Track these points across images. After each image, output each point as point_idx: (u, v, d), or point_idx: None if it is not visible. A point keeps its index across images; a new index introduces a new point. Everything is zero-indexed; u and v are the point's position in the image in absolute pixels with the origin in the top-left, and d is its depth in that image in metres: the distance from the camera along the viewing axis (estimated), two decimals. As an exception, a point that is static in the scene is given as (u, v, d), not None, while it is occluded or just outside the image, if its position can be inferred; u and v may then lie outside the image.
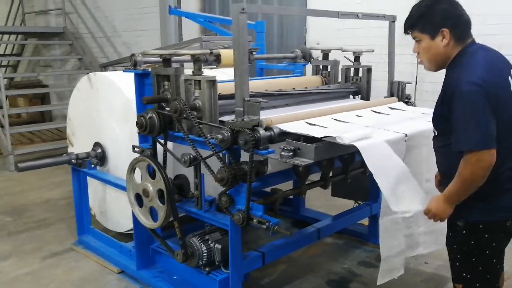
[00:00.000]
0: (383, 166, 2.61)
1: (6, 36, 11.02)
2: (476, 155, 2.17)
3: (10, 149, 7.21)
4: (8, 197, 5.95)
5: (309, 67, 4.45)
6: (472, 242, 2.39)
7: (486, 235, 2.36)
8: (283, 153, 2.61)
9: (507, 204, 2.35)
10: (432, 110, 2.47)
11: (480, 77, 2.17)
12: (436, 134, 2.49)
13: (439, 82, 4.45)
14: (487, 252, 2.39)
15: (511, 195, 2.35)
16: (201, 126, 2.92)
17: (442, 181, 2.54)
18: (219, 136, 2.78)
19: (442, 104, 2.34)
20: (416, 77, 5.22)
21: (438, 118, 2.39)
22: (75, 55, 9.62)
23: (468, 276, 2.47)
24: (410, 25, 2.41)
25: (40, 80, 10.49)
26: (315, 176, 3.63)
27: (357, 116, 3.32)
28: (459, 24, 2.33)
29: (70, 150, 4.68)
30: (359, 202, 4.30)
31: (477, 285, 2.45)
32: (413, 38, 2.44)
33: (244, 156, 2.88)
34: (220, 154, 2.88)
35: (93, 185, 4.37)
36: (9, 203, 5.72)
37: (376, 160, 2.58)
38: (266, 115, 2.92)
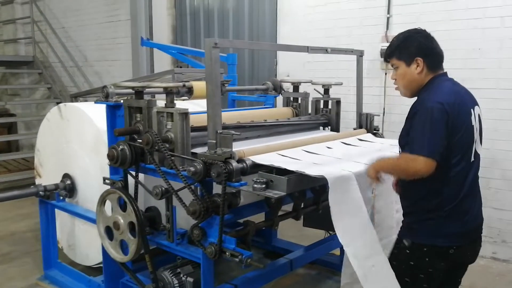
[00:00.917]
0: (344, 201, 2.66)
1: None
2: (416, 157, 2.36)
3: (-26, 180, 7.01)
4: (-30, 230, 5.74)
5: (280, 99, 4.51)
6: (412, 263, 2.55)
7: (427, 259, 2.51)
8: (255, 185, 2.62)
9: (450, 230, 2.49)
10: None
11: (444, 99, 2.41)
12: (399, 152, 2.64)
13: (405, 113, 4.56)
14: (422, 276, 2.54)
15: (454, 222, 2.49)
16: (173, 158, 2.91)
17: (399, 189, 2.73)
18: (192, 169, 2.77)
19: (406, 120, 2.55)
20: (384, 108, 5.34)
21: (403, 135, 2.58)
22: (44, 84, 9.51)
23: None
24: (389, 53, 2.67)
25: (7, 108, 10.31)
26: (287, 207, 3.65)
27: (327, 147, 3.37)
28: (432, 55, 2.59)
29: (37, 181, 4.58)
30: (331, 232, 4.31)
31: None
32: (392, 66, 2.69)
33: (217, 189, 2.88)
34: (192, 187, 2.87)
35: (61, 217, 4.28)
36: (-30, 237, 5.52)
37: (339, 194, 2.63)
38: (238, 147, 2.94)
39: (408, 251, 2.55)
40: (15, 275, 4.47)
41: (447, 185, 2.46)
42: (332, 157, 3.07)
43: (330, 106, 4.17)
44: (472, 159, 2.54)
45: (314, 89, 4.23)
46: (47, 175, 4.46)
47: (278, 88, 4.51)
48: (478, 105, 2.61)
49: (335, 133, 4.03)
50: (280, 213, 3.50)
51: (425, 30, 2.65)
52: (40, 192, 4.02)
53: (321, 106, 4.22)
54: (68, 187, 4.12)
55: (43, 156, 4.55)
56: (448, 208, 2.48)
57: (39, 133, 4.56)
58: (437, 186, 2.47)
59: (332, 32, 5.74)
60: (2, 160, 8.35)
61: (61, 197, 4.08)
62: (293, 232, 5.22)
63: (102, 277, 3.70)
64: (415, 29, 2.67)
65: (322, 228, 4.40)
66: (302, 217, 3.82)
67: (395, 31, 5.18)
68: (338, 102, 4.13)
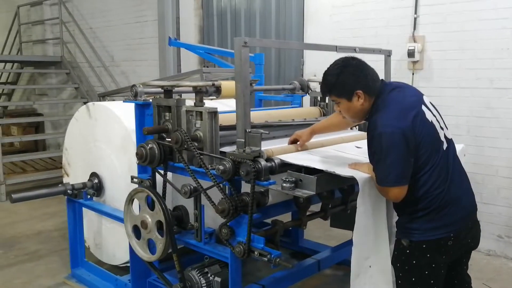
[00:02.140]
0: (370, 202, 2.63)
1: (1, 65, 11.05)
2: (384, 189, 2.50)
3: (2, 178, 7.10)
4: (-2, 228, 5.83)
5: (306, 99, 4.48)
6: (414, 262, 2.56)
7: (428, 255, 2.52)
8: (284, 184, 2.60)
9: (444, 221, 2.50)
10: None
11: (395, 121, 2.42)
12: None
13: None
14: (426, 272, 2.55)
15: (446, 212, 2.50)
16: (202, 156, 2.91)
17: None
18: (221, 167, 2.76)
19: (367, 144, 2.57)
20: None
21: (369, 154, 2.59)
22: (71, 84, 9.64)
23: None
24: (327, 92, 2.69)
25: (35, 108, 10.48)
26: (315, 207, 3.61)
27: (357, 147, 3.33)
28: (369, 83, 2.58)
29: (65, 180, 4.62)
30: (358, 234, 4.26)
31: None
32: (332, 101, 2.72)
33: (245, 187, 2.86)
34: (221, 185, 2.86)
35: (88, 216, 4.31)
36: (-1, 235, 5.60)
37: (368, 195, 2.60)
38: (266, 146, 2.91)
39: (408, 251, 2.58)
40: (43, 273, 4.52)
41: (430, 186, 2.48)
42: (362, 157, 3.02)
43: (358, 106, 4.10)
44: (444, 147, 2.56)
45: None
46: (75, 174, 4.50)
47: (305, 88, 4.48)
48: (422, 95, 2.66)
49: (364, 132, 3.96)
50: (308, 213, 3.46)
51: (354, 59, 2.63)
52: (68, 191, 4.05)
53: (350, 106, 4.16)
54: (96, 186, 4.15)
55: (71, 155, 4.59)
56: (437, 202, 2.49)
57: (67, 132, 4.61)
58: (421, 191, 2.49)
59: (359, 32, 5.70)
60: (29, 160, 8.46)
61: (89, 196, 4.10)
62: (320, 232, 5.18)
63: (129, 276, 3.71)
64: (345, 60, 2.62)
65: (349, 229, 4.32)
66: (329, 217, 3.78)
67: (422, 31, 5.14)
68: (366, 102, 4.07)
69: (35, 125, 9.92)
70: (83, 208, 4.19)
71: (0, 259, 4.87)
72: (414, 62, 5.23)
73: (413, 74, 5.23)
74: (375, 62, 5.12)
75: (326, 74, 2.66)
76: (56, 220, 5.90)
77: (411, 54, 5.14)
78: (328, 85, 2.63)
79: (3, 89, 11.58)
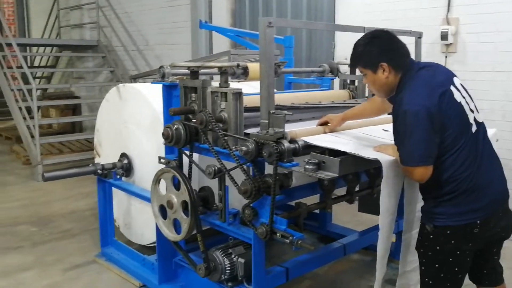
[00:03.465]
0: (394, 184, 2.59)
1: (41, 48, 11.34)
2: (407, 169, 2.43)
3: (39, 159, 7.32)
4: (34, 207, 6.00)
5: (336, 82, 4.41)
6: (438, 248, 2.50)
7: (452, 241, 2.46)
8: (307, 166, 2.57)
9: (470, 207, 2.42)
10: None
11: (421, 100, 2.36)
12: None
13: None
14: (451, 259, 2.49)
15: (473, 198, 2.41)
16: (226, 138, 2.91)
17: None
18: (244, 148, 2.76)
19: (392, 122, 2.52)
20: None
21: (394, 134, 2.54)
22: (107, 68, 9.81)
23: (430, 282, 2.56)
24: (354, 63, 2.71)
25: (72, 91, 10.72)
26: (341, 191, 3.58)
27: (384, 130, 3.26)
28: (395, 56, 2.55)
29: (97, 160, 4.72)
30: (386, 219, 4.20)
31: None
32: (360, 72, 2.69)
33: (269, 169, 2.85)
34: (245, 166, 2.86)
35: (118, 196, 4.39)
36: (35, 213, 5.77)
37: (392, 177, 2.56)
38: (291, 128, 2.89)
39: (431, 236, 2.52)
40: (75, 251, 4.64)
41: (457, 169, 2.41)
42: (388, 140, 2.96)
43: (388, 89, 4.02)
44: (473, 130, 2.46)
45: (372, 72, 4.10)
46: (106, 155, 4.59)
47: (334, 71, 4.42)
48: (454, 76, 2.58)
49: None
50: (333, 197, 3.43)
51: (385, 32, 2.63)
52: (98, 171, 4.13)
53: (379, 89, 4.08)
54: (125, 166, 4.21)
55: (102, 136, 4.67)
56: (464, 186, 2.41)
57: (99, 113, 4.69)
58: (447, 174, 2.41)
59: (391, 14, 5.57)
60: (66, 141, 8.68)
61: (118, 176, 4.18)
62: (348, 217, 5.13)
63: (156, 256, 3.75)
64: (375, 32, 2.65)
65: (377, 214, 4.27)
66: (357, 201, 3.74)
67: (456, 13, 4.98)
68: (397, 85, 3.98)
69: (72, 107, 10.15)
70: (112, 188, 4.27)
71: (34, 236, 5.03)
72: (448, 45, 5.10)
73: (446, 57, 5.10)
74: (408, 46, 5.05)
75: (355, 44, 2.66)
76: (89, 200, 6.04)
77: (444, 36, 5.00)
78: (355, 55, 2.64)
79: (43, 72, 11.91)
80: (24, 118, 7.67)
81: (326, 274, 4.08)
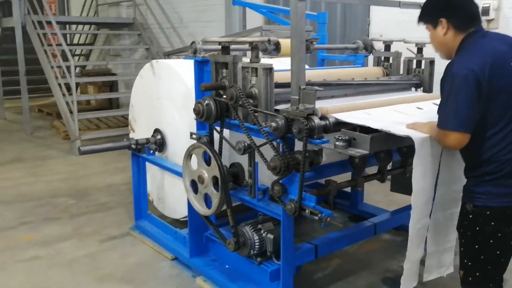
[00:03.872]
0: (430, 164, 2.53)
1: (80, 27, 11.52)
2: (443, 133, 2.33)
3: (77, 134, 7.52)
4: (73, 180, 6.20)
5: (370, 59, 4.33)
6: (477, 228, 2.42)
7: (492, 223, 2.37)
8: (337, 143, 2.55)
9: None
10: None
11: (474, 63, 2.24)
12: None
13: None
14: (491, 241, 2.40)
15: None
16: (256, 114, 2.90)
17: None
18: (273, 124, 2.74)
19: (440, 85, 2.43)
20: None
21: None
22: (143, 45, 9.90)
23: (469, 263, 2.49)
24: (419, 17, 2.59)
25: (109, 68, 10.89)
26: (373, 169, 3.54)
27: (417, 108, 3.19)
28: (457, 13, 2.43)
29: (131, 136, 4.79)
30: (419, 199, 4.13)
31: (477, 274, 2.47)
32: (426, 28, 2.61)
33: (299, 146, 2.84)
34: (274, 143, 2.85)
35: (152, 171, 4.47)
36: (73, 186, 5.96)
37: (424, 155, 2.49)
38: (323, 105, 2.86)
39: (471, 216, 2.44)
40: (110, 223, 4.78)
41: (501, 149, 2.31)
42: (422, 118, 2.89)
43: (423, 66, 3.93)
44: None
45: (407, 48, 4.00)
46: (140, 130, 4.65)
47: (368, 47, 4.33)
48: None
49: (426, 94, 3.80)
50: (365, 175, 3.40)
51: None
52: (132, 146, 4.20)
53: (414, 66, 3.99)
54: (158, 142, 4.27)
55: (137, 112, 4.74)
56: (508, 169, 2.32)
57: (133, 89, 4.75)
58: (490, 153, 2.32)
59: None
60: (103, 117, 8.87)
61: (151, 151, 4.24)
62: (380, 197, 5.08)
63: (188, 230, 3.82)
64: None
65: (409, 194, 4.22)
66: (389, 181, 3.69)
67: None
68: (432, 62, 3.88)
69: (110, 84, 10.34)
70: (146, 162, 4.34)
71: (72, 208, 5.21)
72: (489, 21, 4.91)
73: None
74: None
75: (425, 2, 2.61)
76: (125, 174, 6.17)
77: (485, 11, 4.81)
78: (422, 9, 2.58)
79: (81, 50, 12.12)
80: (64, 95, 7.85)
81: (356, 253, 4.07)
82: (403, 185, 4.05)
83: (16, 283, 3.68)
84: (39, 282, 3.69)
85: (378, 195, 5.12)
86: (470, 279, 2.50)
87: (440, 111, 2.37)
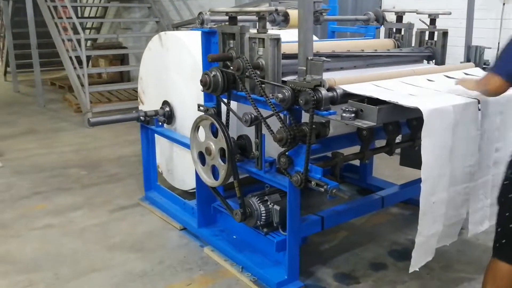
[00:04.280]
0: (437, 135, 2.50)
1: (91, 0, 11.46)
2: (488, 76, 2.46)
3: (88, 107, 7.57)
4: (84, 152, 6.28)
5: (382, 30, 4.25)
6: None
7: None
8: (344, 114, 2.52)
9: None
10: None
11: None
12: None
13: None
14: None
15: None
16: (263, 85, 2.88)
17: None
18: (280, 95, 2.72)
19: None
20: (499, 43, 4.84)
21: None
22: (153, 18, 9.83)
23: (499, 229, 2.49)
24: None
25: (120, 42, 10.85)
26: (382, 142, 3.51)
27: (428, 80, 3.14)
28: None
29: (140, 108, 4.80)
30: (428, 173, 4.11)
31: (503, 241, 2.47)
32: None
33: (306, 117, 2.81)
34: (281, 114, 2.83)
35: (161, 143, 4.48)
36: (85, 157, 6.04)
37: (433, 127, 2.47)
38: (331, 76, 2.81)
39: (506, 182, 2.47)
40: (120, 194, 4.84)
41: None
42: (432, 89, 2.86)
43: (435, 38, 3.86)
44: None
45: (420, 20, 3.93)
46: (149, 102, 4.65)
47: (380, 19, 4.25)
48: None
49: (438, 66, 3.74)
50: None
51: None
52: (141, 117, 4.21)
53: (426, 38, 3.91)
54: (167, 114, 4.27)
55: (146, 84, 4.73)
56: None
57: (142, 61, 4.74)
58: None
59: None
60: (114, 90, 8.89)
61: (160, 123, 4.24)
62: (390, 171, 5.07)
63: (196, 201, 3.85)
64: None
65: (418, 168, 4.19)
66: (398, 155, 3.65)
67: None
68: (445, 34, 3.81)
69: (121, 57, 10.32)
70: (155, 134, 4.36)
71: (84, 179, 5.28)
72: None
73: (504, 4, 4.77)
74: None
75: None
76: (135, 147, 6.16)
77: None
78: None
79: (92, 23, 12.08)
80: (75, 68, 7.86)
81: (363, 226, 4.07)
82: (412, 159, 4.04)
83: (30, 250, 3.76)
84: (51, 250, 3.76)
85: (387, 169, 5.10)
86: (497, 245, 2.50)
87: (495, 60, 2.52)
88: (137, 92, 8.47)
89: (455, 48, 4.01)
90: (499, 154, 2.85)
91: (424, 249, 2.68)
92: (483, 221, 2.98)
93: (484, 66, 3.66)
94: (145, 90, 4.75)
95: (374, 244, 3.80)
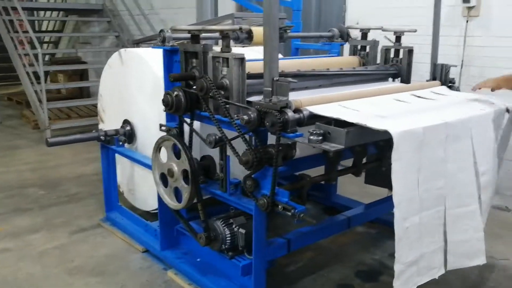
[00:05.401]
0: (408, 158, 2.46)
1: (48, 13, 11.17)
2: None
3: (47, 123, 7.32)
4: (43, 170, 6.04)
5: (346, 47, 4.23)
6: None
7: None
8: (311, 137, 2.46)
9: None
10: (476, 95, 3.05)
11: None
12: None
13: (487, 66, 4.25)
14: None
15: None
16: (227, 106, 2.79)
17: None
18: (245, 117, 2.64)
19: None
20: (462, 60, 4.90)
21: None
22: (112, 32, 9.66)
23: None
24: None
25: (79, 56, 10.61)
26: (348, 162, 3.47)
27: (395, 100, 3.12)
28: None
29: (100, 126, 4.65)
30: (393, 191, 4.09)
31: None
32: None
33: (272, 139, 2.74)
34: (246, 136, 2.75)
35: (122, 162, 4.34)
36: (43, 176, 5.81)
37: (404, 150, 2.42)
38: (297, 97, 2.75)
39: None
40: (80, 214, 4.66)
41: None
42: (400, 110, 2.82)
43: (401, 56, 3.86)
44: None
45: (385, 37, 3.92)
46: (109, 121, 4.51)
47: (344, 36, 4.23)
48: None
49: (405, 84, 3.74)
50: (340, 168, 3.32)
51: None
52: (101, 137, 4.09)
53: (392, 55, 3.91)
54: (128, 133, 4.14)
55: (106, 102, 4.58)
56: None
57: (102, 78, 4.60)
58: None
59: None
60: (74, 106, 8.65)
61: (120, 143, 4.11)
62: (354, 189, 5.03)
63: (158, 223, 3.73)
64: None
65: (385, 186, 4.16)
66: (364, 173, 3.62)
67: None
68: (410, 51, 3.81)
69: (80, 73, 10.05)
70: (115, 154, 4.21)
71: (43, 199, 5.07)
72: (470, 8, 4.83)
73: (467, 21, 4.83)
74: (426, 9, 4.83)
75: None
76: (96, 164, 5.96)
77: (467, -2, 4.73)
78: None
79: (50, 37, 11.77)
80: (32, 83, 7.62)
81: (329, 246, 4.01)
82: (378, 178, 4.01)
83: (-16, 276, 3.56)
84: (8, 275, 3.58)
85: (352, 186, 5.07)
86: None
87: None
88: (97, 108, 8.35)
89: (419, 65, 4.03)
90: (486, 178, 2.83)
91: (406, 278, 2.57)
92: (473, 256, 2.88)
93: (450, 84, 3.68)
94: (105, 108, 4.59)
95: (341, 265, 3.74)
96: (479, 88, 3.25)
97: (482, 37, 4.79)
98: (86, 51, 10.42)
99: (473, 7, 4.81)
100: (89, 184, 5.48)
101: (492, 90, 3.21)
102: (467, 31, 4.86)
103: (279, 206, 2.71)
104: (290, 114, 2.57)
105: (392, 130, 2.37)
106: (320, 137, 2.46)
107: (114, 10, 9.68)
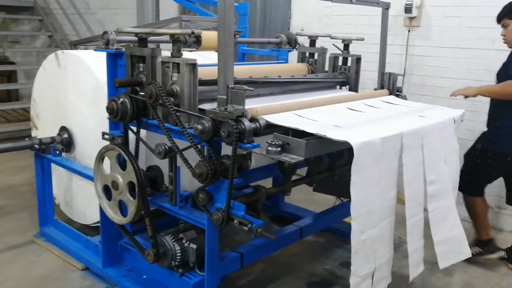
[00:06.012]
0: (367, 169, 2.42)
1: (-29, 9, 10.43)
2: (509, 82, 3.44)
3: (-29, 129, 6.78)
4: (-35, 181, 5.54)
5: (294, 54, 4.18)
6: (478, 161, 3.73)
7: (490, 161, 3.65)
8: (270, 148, 2.36)
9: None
10: (424, 104, 3.54)
11: None
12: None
13: (428, 75, 4.37)
14: (483, 171, 3.74)
15: None
16: (178, 114, 2.63)
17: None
18: (199, 127, 2.49)
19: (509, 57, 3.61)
20: (405, 69, 4.99)
21: (503, 69, 3.66)
22: (45, 32, 9.14)
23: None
24: (503, 15, 3.60)
25: (7, 56, 9.98)
26: (300, 171, 3.39)
27: (349, 109, 3.08)
28: None
29: (34, 133, 4.33)
30: (342, 199, 4.07)
31: None
32: (502, 26, 3.64)
33: (225, 149, 2.61)
34: (199, 146, 2.60)
35: (58, 172, 4.05)
36: (-34, 188, 5.32)
37: (364, 161, 2.38)
38: (249, 105, 2.63)
39: (477, 153, 3.74)
40: (11, 230, 4.28)
41: None
42: (355, 120, 2.78)
43: (349, 64, 3.85)
44: None
45: (333, 45, 3.90)
46: (44, 127, 4.20)
47: (293, 42, 4.18)
48: None
49: (355, 93, 3.72)
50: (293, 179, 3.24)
51: None
52: (35, 145, 3.78)
53: (340, 63, 3.90)
54: (65, 141, 3.87)
55: (40, 107, 4.27)
56: None
57: (35, 82, 4.28)
58: None
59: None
60: (1, 110, 8.10)
61: (57, 152, 3.82)
62: (301, 196, 4.97)
63: (100, 238, 3.50)
64: None
65: (333, 194, 4.15)
66: (314, 182, 3.56)
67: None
68: (358, 60, 3.81)
69: (8, 74, 9.45)
70: (51, 164, 3.92)
71: (-35, 214, 4.62)
72: (411, 19, 4.92)
73: (409, 31, 4.93)
74: (369, 17, 4.88)
75: (507, 4, 3.62)
76: (25, 174, 5.62)
77: (408, 9, 4.81)
78: (506, 9, 3.58)
79: (-27, 35, 11.02)
80: (-47, 85, 7.05)
81: (279, 257, 3.91)
82: (327, 186, 3.97)
83: None
84: None
85: (298, 194, 4.98)
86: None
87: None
88: (27, 112, 7.85)
89: (362, 73, 4.03)
90: (435, 186, 2.85)
91: None
92: (419, 264, 2.93)
93: (397, 93, 3.69)
94: (39, 114, 4.28)
95: (292, 277, 3.66)
96: (460, 95, 3.76)
97: (423, 46, 4.89)
98: (15, 51, 9.82)
99: (414, 17, 4.90)
100: (19, 196, 5.08)
101: (466, 97, 3.76)
102: (409, 40, 4.95)
103: (235, 221, 2.58)
104: (246, 123, 2.46)
105: (353, 141, 2.32)
106: (279, 148, 2.37)
107: (46, 8, 9.15)
